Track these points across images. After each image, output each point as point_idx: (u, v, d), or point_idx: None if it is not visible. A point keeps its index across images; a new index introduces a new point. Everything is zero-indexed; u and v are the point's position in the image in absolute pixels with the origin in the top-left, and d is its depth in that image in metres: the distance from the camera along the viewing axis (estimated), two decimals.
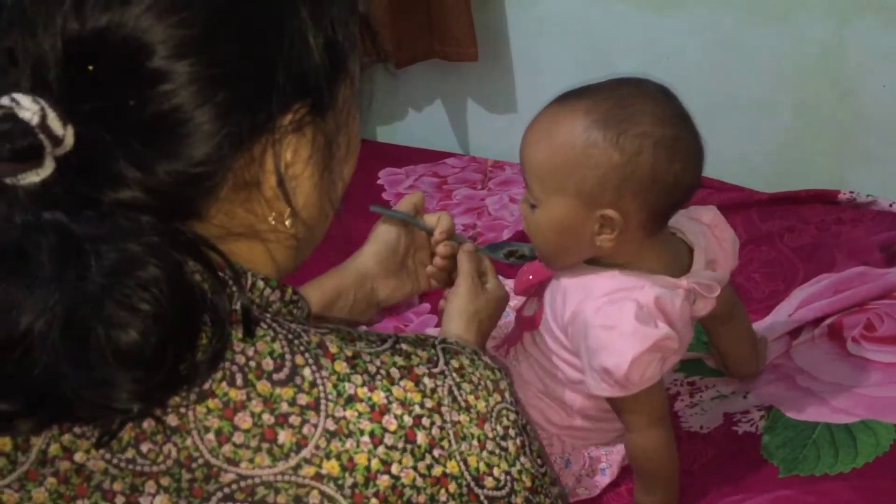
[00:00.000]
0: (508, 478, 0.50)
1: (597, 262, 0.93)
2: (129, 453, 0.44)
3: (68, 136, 0.42)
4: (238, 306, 0.46)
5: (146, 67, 0.44)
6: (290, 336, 0.48)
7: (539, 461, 0.53)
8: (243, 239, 0.50)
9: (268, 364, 0.46)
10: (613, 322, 0.87)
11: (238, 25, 0.46)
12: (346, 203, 1.71)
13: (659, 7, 1.58)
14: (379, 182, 1.79)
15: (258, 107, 0.46)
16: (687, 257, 0.96)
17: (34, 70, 0.43)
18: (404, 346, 0.50)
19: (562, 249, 0.92)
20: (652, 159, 0.86)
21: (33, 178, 0.42)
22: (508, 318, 1.11)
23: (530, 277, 1.05)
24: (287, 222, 0.50)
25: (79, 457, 0.44)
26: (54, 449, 0.44)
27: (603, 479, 1.06)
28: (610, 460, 1.06)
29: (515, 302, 1.10)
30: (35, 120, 0.41)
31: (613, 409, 0.96)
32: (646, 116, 0.87)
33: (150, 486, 0.44)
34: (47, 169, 0.42)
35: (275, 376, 0.46)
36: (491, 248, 1.08)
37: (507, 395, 0.52)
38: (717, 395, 1.16)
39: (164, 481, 0.44)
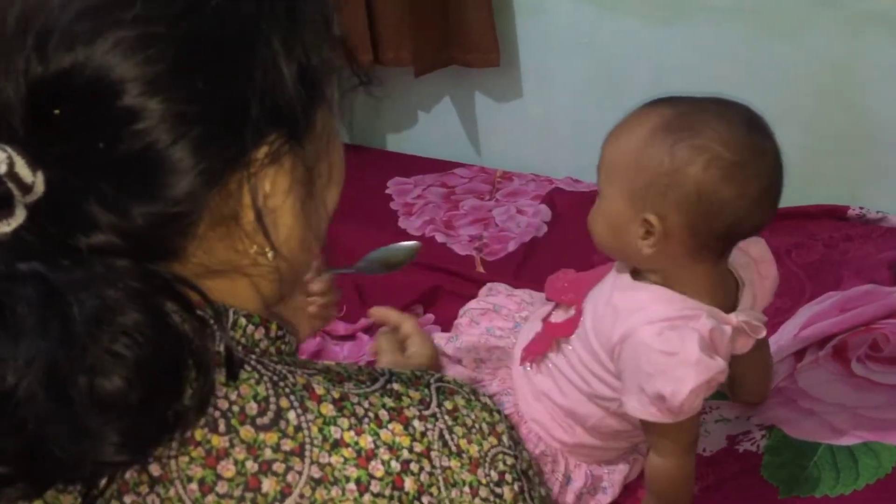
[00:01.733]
0: None
1: (644, 277, 0.93)
2: None
3: (38, 182, 0.41)
4: (221, 348, 0.45)
5: (116, 106, 0.42)
6: (275, 378, 0.47)
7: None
8: (224, 275, 0.48)
9: (251, 408, 0.45)
10: (676, 349, 0.86)
11: (207, 58, 0.44)
12: (355, 213, 1.71)
13: (667, 21, 1.58)
14: (388, 192, 1.80)
15: (232, 140, 0.45)
16: (734, 292, 0.94)
17: None
18: (396, 386, 0.49)
19: (610, 245, 0.94)
20: (701, 174, 0.85)
21: (4, 227, 0.41)
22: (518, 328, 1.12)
23: (565, 285, 1.05)
24: (269, 255, 0.48)
25: None
26: None
27: (604, 498, 1.06)
28: (612, 479, 1.06)
29: (545, 309, 1.09)
30: (2, 168, 0.40)
31: (647, 433, 0.95)
32: (710, 132, 0.86)
33: None
34: (18, 218, 0.41)
35: (258, 421, 0.45)
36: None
37: (504, 438, 0.50)
38: (720, 419, 1.16)
39: None
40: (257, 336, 0.49)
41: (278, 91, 0.46)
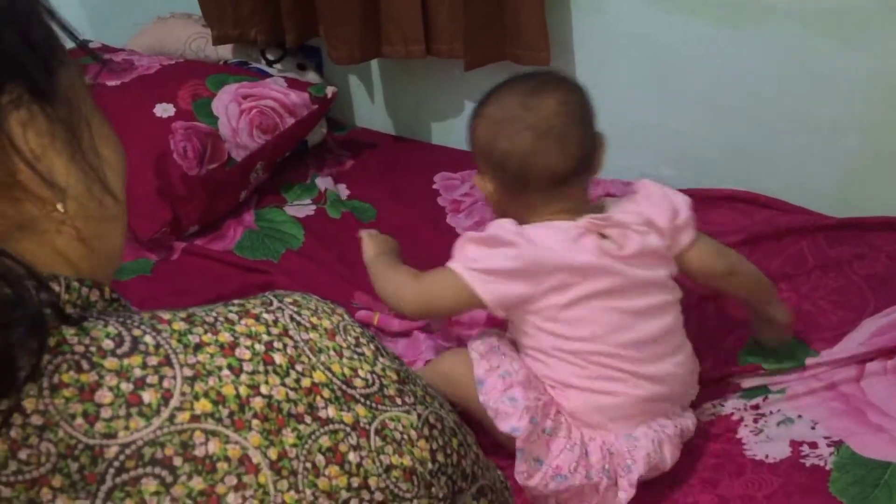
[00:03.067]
0: (374, 376, 0.52)
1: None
2: (12, 466, 0.44)
3: None
4: (50, 309, 0.47)
5: None
6: (120, 318, 0.49)
7: (397, 360, 0.55)
8: (24, 237, 0.49)
9: (108, 344, 0.47)
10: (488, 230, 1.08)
11: None
12: (403, 206, 1.69)
13: (735, 25, 1.55)
14: (434, 187, 1.78)
15: None
16: (588, 212, 1.09)
17: None
18: (237, 300, 0.53)
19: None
20: (482, 133, 1.10)
21: None
22: None
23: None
24: (59, 207, 0.50)
25: None
26: None
27: (630, 477, 1.03)
28: (635, 456, 1.04)
29: None
30: None
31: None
32: (493, 100, 1.10)
33: (46, 493, 0.44)
34: None
35: (118, 351, 0.47)
36: None
37: (346, 316, 0.55)
38: (782, 420, 1.13)
39: (56, 482, 0.44)
40: (92, 297, 0.51)
41: (6, 44, 0.47)
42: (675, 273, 1.10)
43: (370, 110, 2.06)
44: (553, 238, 1.04)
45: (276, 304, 0.53)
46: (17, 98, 0.48)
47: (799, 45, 1.51)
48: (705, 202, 1.60)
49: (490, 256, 1.04)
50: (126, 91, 1.73)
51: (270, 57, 1.97)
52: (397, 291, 1.13)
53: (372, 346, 0.54)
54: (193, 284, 1.50)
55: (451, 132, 1.97)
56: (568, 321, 1.04)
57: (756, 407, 1.19)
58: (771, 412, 1.17)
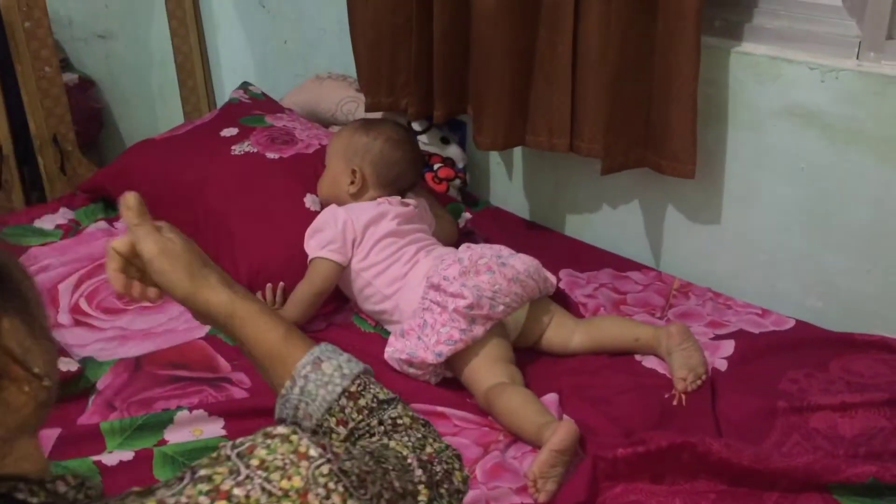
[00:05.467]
0: None
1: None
2: None
3: None
4: None
5: None
6: None
7: (365, 490, 0.57)
8: (25, 440, 0.53)
9: None
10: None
11: None
12: None
13: None
14: (560, 284, 1.73)
15: None
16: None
17: None
18: (202, 472, 0.53)
19: (327, 196, 1.70)
20: (382, 144, 1.66)
21: None
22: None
23: None
24: (46, 383, 0.54)
25: None
26: None
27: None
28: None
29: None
30: None
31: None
32: (385, 128, 1.70)
33: None
34: None
35: None
36: None
37: (311, 451, 0.56)
38: None
39: None
40: (61, 489, 0.52)
41: None
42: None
43: (507, 190, 2.05)
44: (359, 209, 1.63)
45: (243, 472, 0.53)
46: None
47: None
48: (851, 347, 1.47)
49: None
50: (283, 169, 1.76)
51: (417, 127, 2.00)
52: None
53: (340, 488, 0.55)
54: None
55: (585, 226, 1.92)
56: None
57: None
58: None
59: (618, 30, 1.56)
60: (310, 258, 1.56)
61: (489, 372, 1.39)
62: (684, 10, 1.49)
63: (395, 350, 1.44)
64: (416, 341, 1.42)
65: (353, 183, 1.63)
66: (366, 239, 1.56)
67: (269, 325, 0.77)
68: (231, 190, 1.72)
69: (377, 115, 1.94)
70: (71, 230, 1.88)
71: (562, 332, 1.51)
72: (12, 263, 0.57)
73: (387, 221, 1.58)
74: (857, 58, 1.49)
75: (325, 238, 1.56)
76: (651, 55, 1.58)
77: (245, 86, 2.16)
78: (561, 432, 1.21)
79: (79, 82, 2.65)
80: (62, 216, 1.92)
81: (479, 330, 1.41)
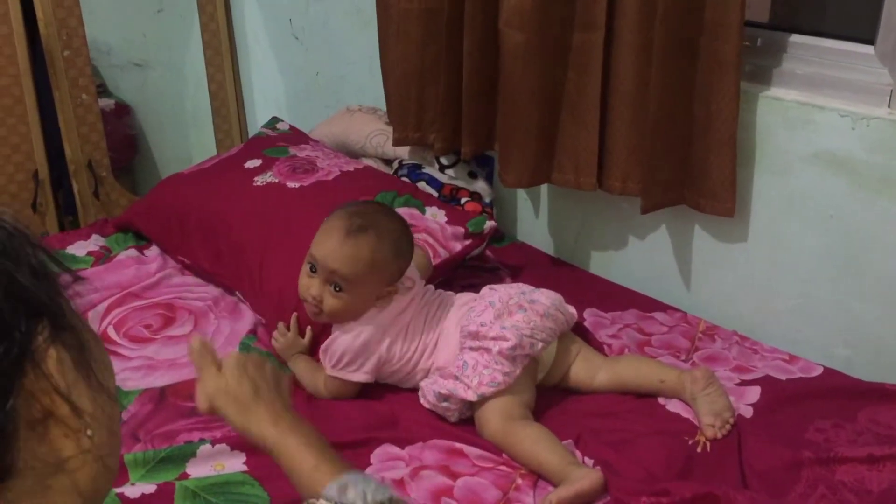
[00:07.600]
0: None
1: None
2: None
3: None
4: None
5: None
6: None
7: None
8: (56, 481, 0.51)
9: None
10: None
11: None
12: None
13: None
14: (584, 322, 1.72)
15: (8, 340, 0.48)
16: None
17: None
18: None
19: (347, 318, 1.49)
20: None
21: None
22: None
23: None
24: (89, 434, 0.52)
25: None
26: None
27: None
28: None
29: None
30: None
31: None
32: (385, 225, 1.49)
33: None
34: None
35: None
36: None
37: None
38: None
39: None
40: None
41: (21, 291, 0.49)
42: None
43: (533, 225, 2.05)
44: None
45: None
46: (47, 336, 0.51)
47: None
48: (880, 397, 1.45)
49: None
50: (303, 198, 1.78)
51: (444, 162, 2.01)
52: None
53: None
54: None
55: (611, 264, 1.91)
56: None
57: None
58: None
59: (659, 74, 1.56)
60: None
61: (510, 406, 1.40)
62: (726, 55, 1.50)
63: (436, 384, 1.43)
64: (455, 381, 1.42)
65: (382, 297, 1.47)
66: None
67: (302, 457, 0.90)
68: (253, 220, 1.74)
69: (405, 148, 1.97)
70: (102, 257, 1.91)
71: (588, 367, 1.51)
72: (76, 316, 0.57)
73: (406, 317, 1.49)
74: (889, 106, 1.48)
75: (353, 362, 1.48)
76: (691, 98, 1.59)
77: (273, 122, 2.19)
78: (593, 478, 1.24)
79: (115, 108, 2.70)
80: (94, 243, 1.96)
81: (519, 370, 1.42)
